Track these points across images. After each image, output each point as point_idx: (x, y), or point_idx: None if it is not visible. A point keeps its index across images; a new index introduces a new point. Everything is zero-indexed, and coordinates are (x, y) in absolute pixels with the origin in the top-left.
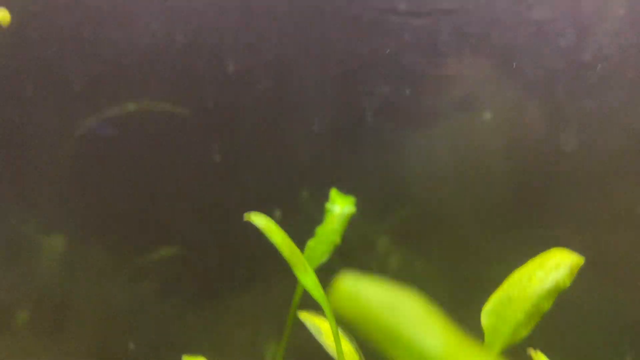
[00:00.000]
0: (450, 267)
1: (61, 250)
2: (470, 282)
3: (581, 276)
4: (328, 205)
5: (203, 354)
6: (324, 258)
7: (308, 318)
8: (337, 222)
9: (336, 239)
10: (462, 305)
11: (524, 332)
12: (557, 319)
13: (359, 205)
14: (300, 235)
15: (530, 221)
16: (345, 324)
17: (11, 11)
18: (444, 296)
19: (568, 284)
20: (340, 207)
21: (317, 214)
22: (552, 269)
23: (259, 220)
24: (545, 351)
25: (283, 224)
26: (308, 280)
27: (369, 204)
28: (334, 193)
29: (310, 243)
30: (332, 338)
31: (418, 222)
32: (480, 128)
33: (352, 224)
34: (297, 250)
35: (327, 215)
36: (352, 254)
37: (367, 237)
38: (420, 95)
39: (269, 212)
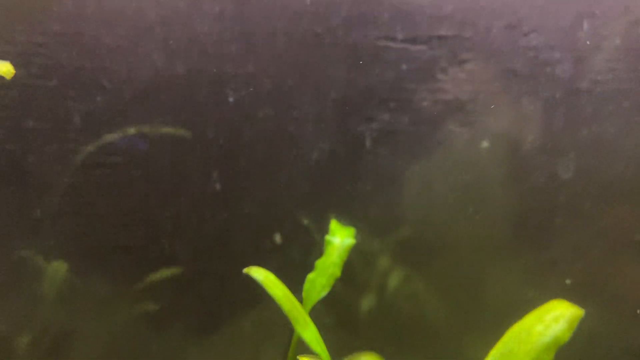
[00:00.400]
0: (448, 291)
1: (62, 277)
2: (470, 306)
3: (578, 301)
4: (328, 237)
5: None
6: (324, 292)
7: None
8: (337, 255)
9: (336, 271)
10: (460, 326)
11: None
12: None
13: (357, 230)
14: (300, 258)
15: (528, 245)
16: None
17: (14, 43)
18: (442, 318)
19: (568, 337)
20: (340, 238)
21: (317, 237)
22: (552, 322)
23: (258, 273)
24: None
25: (283, 246)
26: (309, 334)
27: (366, 230)
28: (333, 225)
29: (310, 276)
30: None
31: (417, 247)
32: (478, 155)
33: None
34: (298, 304)
35: (326, 247)
36: (351, 275)
37: (365, 267)
38: (418, 122)
39: (269, 235)
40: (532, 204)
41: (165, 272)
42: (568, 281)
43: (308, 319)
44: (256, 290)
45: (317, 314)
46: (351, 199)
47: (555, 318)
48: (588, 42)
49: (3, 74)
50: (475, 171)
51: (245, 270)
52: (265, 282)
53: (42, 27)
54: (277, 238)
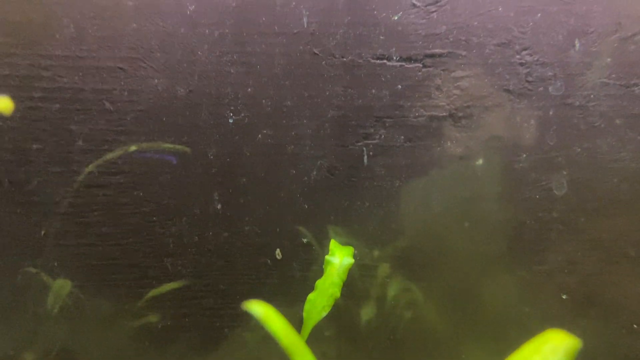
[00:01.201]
0: (445, 304)
1: (67, 294)
2: (467, 318)
3: (574, 313)
4: (327, 258)
5: None
6: (324, 312)
7: None
8: (337, 275)
9: (336, 292)
10: (458, 338)
11: None
12: None
13: (355, 244)
14: (300, 273)
15: (523, 258)
16: None
17: (17, 66)
18: (440, 329)
19: None
20: (339, 258)
21: (316, 252)
22: (549, 354)
23: (258, 308)
24: None
25: (283, 261)
26: None
27: (364, 244)
28: (333, 244)
29: (311, 296)
30: None
31: (414, 260)
32: (474, 170)
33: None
34: (296, 337)
35: (326, 268)
36: (350, 288)
37: (363, 281)
38: (414, 139)
39: (269, 251)
40: (527, 218)
41: (167, 289)
42: (564, 296)
43: (307, 352)
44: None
45: (317, 326)
46: (349, 214)
47: (553, 349)
48: (580, 59)
49: (2, 111)
50: (471, 186)
51: (244, 305)
52: (265, 317)
53: (44, 51)
54: (277, 254)
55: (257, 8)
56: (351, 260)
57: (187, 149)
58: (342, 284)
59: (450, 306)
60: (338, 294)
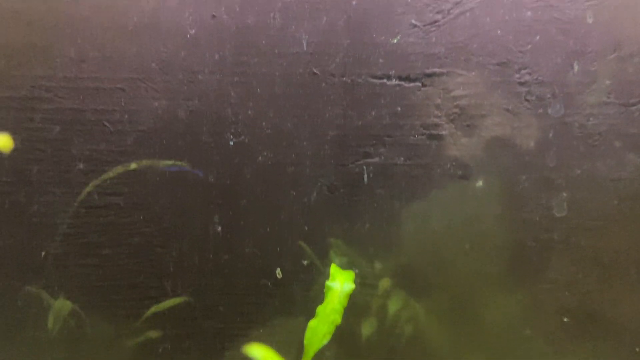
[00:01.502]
0: (445, 325)
1: (67, 315)
2: (465, 337)
3: (574, 335)
4: (328, 283)
5: None
6: (325, 340)
7: None
8: (338, 301)
9: (337, 318)
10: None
11: None
12: None
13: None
14: (300, 293)
15: (524, 278)
16: None
17: (17, 88)
18: (440, 351)
19: None
20: (340, 283)
21: (316, 274)
22: None
23: (257, 352)
24: None
25: (284, 282)
26: None
27: (365, 263)
28: (333, 269)
29: (312, 323)
30: None
31: (414, 281)
32: (473, 192)
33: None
34: None
35: (327, 293)
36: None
37: (364, 302)
38: (414, 158)
39: (270, 273)
40: (527, 239)
41: (168, 305)
42: (565, 319)
43: None
44: (258, 327)
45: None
46: (350, 234)
47: None
48: (579, 79)
49: (1, 149)
50: (471, 206)
51: (244, 349)
52: None
53: (45, 72)
54: (278, 273)
55: (256, 31)
56: (352, 286)
57: (186, 165)
58: (343, 310)
59: (451, 326)
60: (339, 321)
